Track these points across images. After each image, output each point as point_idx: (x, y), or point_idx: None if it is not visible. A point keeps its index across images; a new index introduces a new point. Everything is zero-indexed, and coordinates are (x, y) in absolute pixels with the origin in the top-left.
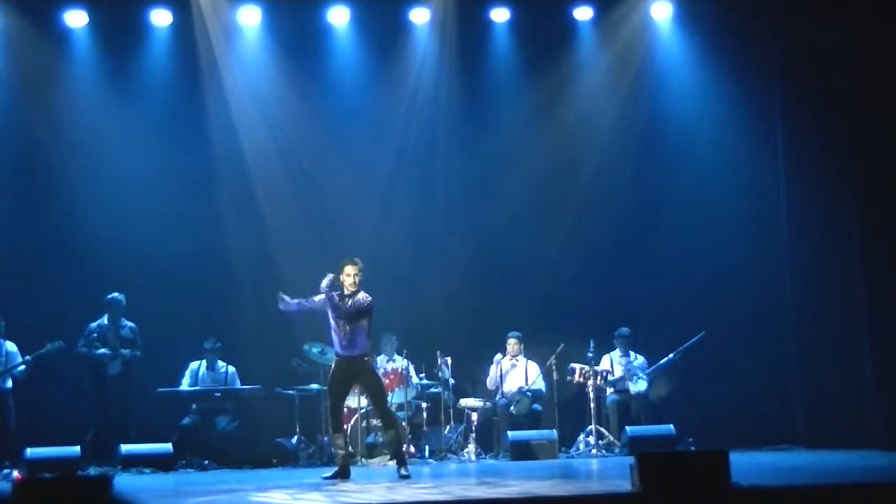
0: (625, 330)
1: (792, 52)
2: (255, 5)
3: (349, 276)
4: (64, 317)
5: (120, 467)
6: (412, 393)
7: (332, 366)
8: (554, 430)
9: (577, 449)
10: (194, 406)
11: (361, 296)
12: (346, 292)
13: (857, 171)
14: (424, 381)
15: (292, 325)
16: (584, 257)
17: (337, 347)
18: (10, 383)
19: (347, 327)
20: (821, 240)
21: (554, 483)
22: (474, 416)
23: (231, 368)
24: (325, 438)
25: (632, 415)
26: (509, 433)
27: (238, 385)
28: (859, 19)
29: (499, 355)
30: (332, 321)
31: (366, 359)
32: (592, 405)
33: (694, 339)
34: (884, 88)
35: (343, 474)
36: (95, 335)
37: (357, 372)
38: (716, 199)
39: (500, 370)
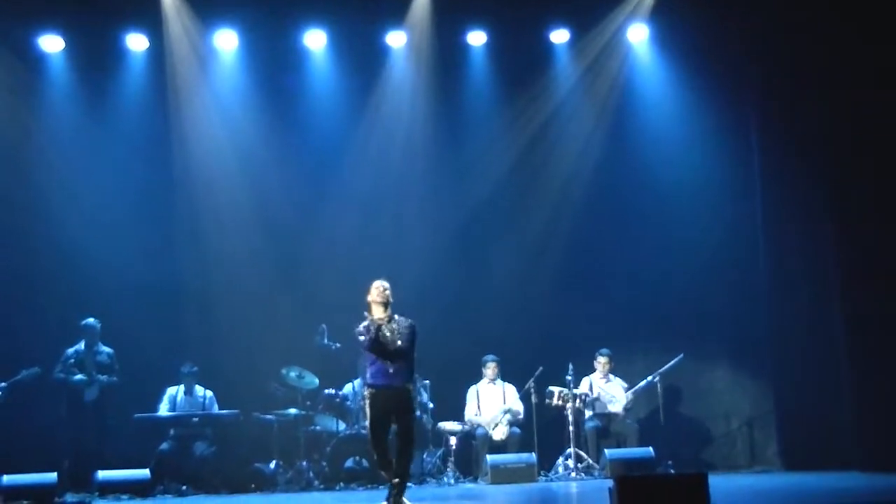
0: (605, 351)
1: (767, 68)
2: (232, 29)
3: (380, 291)
4: (40, 343)
5: (97, 494)
6: None
7: (368, 398)
8: (533, 454)
9: (557, 472)
10: (172, 431)
11: (404, 320)
12: (377, 318)
13: (834, 186)
14: None
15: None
16: (562, 280)
17: (377, 378)
18: None
19: (395, 357)
20: (799, 262)
21: None
22: (453, 440)
23: (209, 393)
24: (304, 463)
25: (611, 438)
26: (488, 457)
27: (216, 410)
28: (833, 33)
29: (473, 387)
30: (370, 353)
31: (409, 387)
32: (571, 428)
33: (672, 362)
34: (859, 101)
35: None
36: (72, 361)
37: (400, 402)
38: (694, 220)
39: (478, 395)
